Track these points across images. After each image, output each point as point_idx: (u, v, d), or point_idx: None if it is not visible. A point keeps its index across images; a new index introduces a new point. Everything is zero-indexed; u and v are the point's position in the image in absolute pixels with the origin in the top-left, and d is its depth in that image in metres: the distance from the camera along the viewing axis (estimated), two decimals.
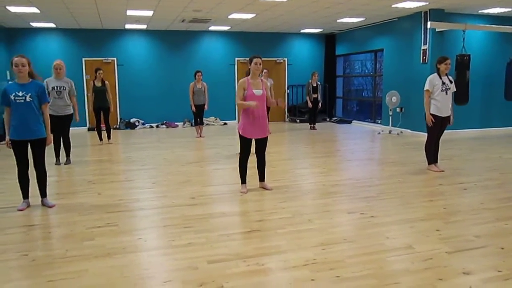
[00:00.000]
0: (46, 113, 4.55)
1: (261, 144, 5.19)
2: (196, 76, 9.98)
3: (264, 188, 5.28)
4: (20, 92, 4.32)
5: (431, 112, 6.23)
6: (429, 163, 6.46)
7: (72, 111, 7.01)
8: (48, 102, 4.65)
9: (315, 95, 11.43)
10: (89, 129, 12.27)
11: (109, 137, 9.41)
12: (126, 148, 9.06)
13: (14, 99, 4.30)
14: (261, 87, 4.99)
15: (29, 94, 4.34)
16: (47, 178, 4.71)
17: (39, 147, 4.51)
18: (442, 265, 3.13)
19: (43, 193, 4.68)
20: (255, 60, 4.90)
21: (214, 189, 5.50)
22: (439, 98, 6.12)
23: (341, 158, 7.71)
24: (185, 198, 4.99)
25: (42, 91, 4.47)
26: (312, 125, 11.91)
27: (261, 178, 5.34)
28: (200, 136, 10.32)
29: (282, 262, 3.19)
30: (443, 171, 6.28)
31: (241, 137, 5.06)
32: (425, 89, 6.23)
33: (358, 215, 4.32)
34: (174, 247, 3.53)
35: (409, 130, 10.66)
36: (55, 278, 2.98)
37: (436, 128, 6.30)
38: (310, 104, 11.45)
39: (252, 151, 5.19)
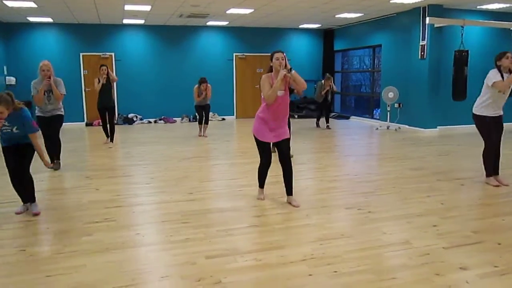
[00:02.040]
0: (36, 143, 4.21)
1: (283, 148, 4.47)
2: (201, 86, 9.45)
3: (290, 203, 4.50)
4: (6, 122, 4.04)
5: (483, 114, 5.23)
6: (487, 175, 5.37)
7: (63, 112, 6.39)
8: (35, 132, 4.22)
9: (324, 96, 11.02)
10: (87, 124, 12.25)
11: (111, 139, 8.71)
12: (124, 143, 9.04)
13: (1, 129, 4.05)
14: (284, 87, 4.34)
15: (15, 126, 4.10)
16: (35, 182, 4.43)
17: (26, 152, 4.27)
18: (439, 260, 3.14)
19: (31, 198, 4.41)
20: (276, 55, 4.29)
21: (212, 185, 5.50)
22: (496, 96, 5.16)
23: (339, 154, 7.72)
24: (183, 194, 4.99)
25: (27, 122, 4.12)
26: (318, 123, 11.37)
27: (289, 191, 4.55)
28: (203, 135, 9.77)
29: (280, 258, 3.20)
30: (507, 185, 5.24)
31: (256, 141, 4.49)
32: (492, 82, 5.08)
33: (356, 210, 4.33)
34: (172, 242, 3.53)
35: (407, 126, 10.68)
36: (53, 273, 2.98)
37: (493, 129, 5.26)
38: (323, 93, 10.97)
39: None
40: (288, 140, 4.48)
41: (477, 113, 5.28)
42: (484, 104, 5.21)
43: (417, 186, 5.25)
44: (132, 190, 5.25)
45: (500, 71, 5.13)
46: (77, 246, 3.45)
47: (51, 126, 6.28)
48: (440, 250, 3.32)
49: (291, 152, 6.83)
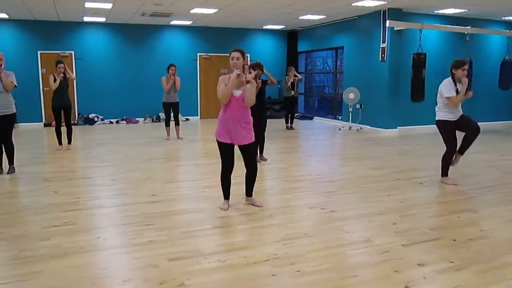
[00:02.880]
0: None
1: (246, 152, 4.34)
2: (170, 71, 9.02)
3: (252, 204, 4.54)
4: None
5: (444, 119, 5.36)
6: (443, 175, 5.54)
7: (15, 110, 5.96)
8: None
9: (292, 92, 11.01)
10: (45, 125, 11.85)
11: (69, 141, 8.08)
12: (84, 144, 8.80)
13: None
14: (242, 88, 4.19)
15: None
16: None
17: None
18: (398, 257, 3.24)
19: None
20: (232, 54, 4.16)
21: (175, 186, 5.45)
22: (453, 105, 5.30)
23: (303, 154, 7.81)
24: (146, 195, 4.91)
25: None
26: (288, 125, 11.23)
27: (248, 192, 4.57)
28: (178, 137, 9.36)
29: (244, 258, 3.21)
30: (455, 184, 5.45)
31: (218, 144, 4.31)
32: (447, 96, 5.24)
33: (319, 210, 4.39)
34: (134, 245, 3.47)
35: (368, 126, 10.92)
36: (9, 280, 2.87)
37: (454, 134, 5.40)
38: (289, 85, 10.93)
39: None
40: (252, 144, 4.32)
41: (441, 119, 5.37)
42: (443, 112, 5.33)
43: (378, 185, 5.38)
44: (92, 193, 5.12)
45: (453, 79, 5.28)
46: (34, 251, 3.34)
47: (2, 127, 5.90)
48: (399, 247, 3.42)
49: (266, 157, 6.86)
